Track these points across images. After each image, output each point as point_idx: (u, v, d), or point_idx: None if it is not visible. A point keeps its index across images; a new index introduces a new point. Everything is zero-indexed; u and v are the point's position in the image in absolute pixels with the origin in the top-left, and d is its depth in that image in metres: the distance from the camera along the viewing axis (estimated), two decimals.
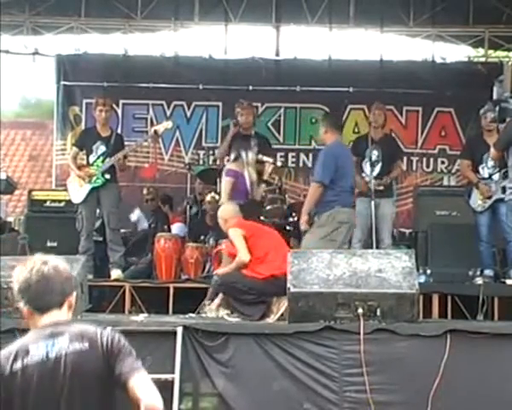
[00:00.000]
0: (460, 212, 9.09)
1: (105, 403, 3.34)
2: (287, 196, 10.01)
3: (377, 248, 8.43)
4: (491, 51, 12.58)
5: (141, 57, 12.54)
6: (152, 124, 11.54)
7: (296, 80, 12.09)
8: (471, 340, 6.15)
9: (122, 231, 9.77)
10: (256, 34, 13.21)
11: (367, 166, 9.03)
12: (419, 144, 12.20)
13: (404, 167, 12.11)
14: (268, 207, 9.28)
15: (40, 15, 12.30)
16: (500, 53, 12.70)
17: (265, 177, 8.54)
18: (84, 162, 9.17)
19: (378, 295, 6.22)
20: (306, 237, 7.81)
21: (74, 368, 3.25)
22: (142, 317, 7.36)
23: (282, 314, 7.12)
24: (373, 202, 8.74)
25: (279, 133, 12.26)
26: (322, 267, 6.36)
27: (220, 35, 12.71)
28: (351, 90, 12.01)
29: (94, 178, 8.97)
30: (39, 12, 12.25)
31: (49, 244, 9.23)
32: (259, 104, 11.87)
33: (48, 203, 9.97)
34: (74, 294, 3.43)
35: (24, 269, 3.36)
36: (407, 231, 10.64)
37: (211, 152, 11.58)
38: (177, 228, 10.31)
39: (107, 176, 8.99)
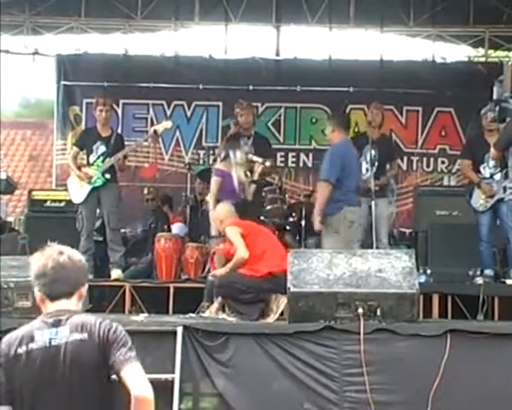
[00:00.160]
0: (460, 212, 9.09)
1: (103, 393, 3.44)
2: (287, 196, 10.02)
3: (375, 248, 8.43)
4: (491, 51, 12.59)
5: (141, 57, 12.54)
6: (152, 124, 11.54)
7: (296, 80, 12.09)
8: (471, 340, 6.14)
9: (122, 231, 9.78)
10: (256, 34, 13.23)
11: (364, 166, 9.03)
12: (419, 144, 12.21)
13: (405, 167, 12.15)
14: (268, 207, 9.28)
15: (40, 15, 12.30)
16: (500, 53, 12.70)
17: (255, 177, 8.51)
18: (85, 162, 9.17)
19: (378, 295, 6.22)
20: (324, 242, 7.75)
21: (73, 358, 3.37)
22: (142, 317, 7.36)
23: (282, 312, 7.14)
24: (373, 202, 8.74)
25: (279, 133, 12.27)
26: (322, 267, 6.36)
27: (220, 35, 12.72)
28: (351, 90, 12.01)
29: (94, 178, 8.97)
30: (39, 12, 12.25)
31: (49, 244, 9.21)
32: (259, 104, 11.88)
33: (48, 203, 9.97)
34: (86, 285, 3.54)
35: (41, 256, 3.50)
36: (407, 231, 10.65)
37: (211, 152, 11.60)
38: (177, 228, 10.31)
39: (108, 176, 8.99)
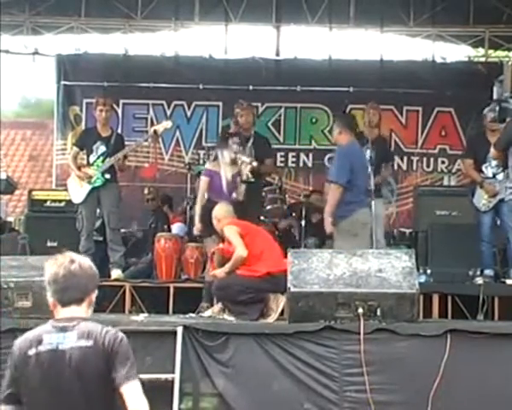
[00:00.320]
0: (460, 212, 9.08)
1: (107, 400, 3.56)
2: (287, 196, 10.02)
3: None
4: (491, 51, 12.58)
5: (141, 57, 12.54)
6: (152, 124, 11.54)
7: (296, 80, 12.09)
8: (471, 340, 6.15)
9: (122, 230, 9.77)
10: (256, 34, 13.23)
11: None
12: (419, 144, 12.21)
13: (405, 167, 12.16)
14: (268, 207, 9.29)
15: (40, 15, 12.30)
16: (500, 53, 12.70)
17: (244, 177, 8.49)
18: (85, 162, 9.17)
19: (378, 295, 6.22)
20: (340, 245, 7.68)
21: (78, 364, 3.52)
22: (142, 317, 7.36)
23: (282, 311, 7.14)
24: (373, 202, 8.72)
25: (279, 133, 12.27)
26: (322, 267, 6.36)
27: (220, 35, 12.72)
28: (351, 89, 12.01)
29: (94, 178, 8.97)
30: (39, 12, 12.25)
31: (49, 244, 9.22)
32: (259, 104, 11.88)
33: (48, 203, 9.96)
34: (96, 292, 3.73)
35: (54, 264, 3.66)
36: (407, 231, 10.64)
37: (211, 152, 11.57)
38: (177, 228, 10.31)
39: (108, 176, 8.99)
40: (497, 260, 8.90)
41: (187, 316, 7.57)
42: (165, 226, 10.29)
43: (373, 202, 8.70)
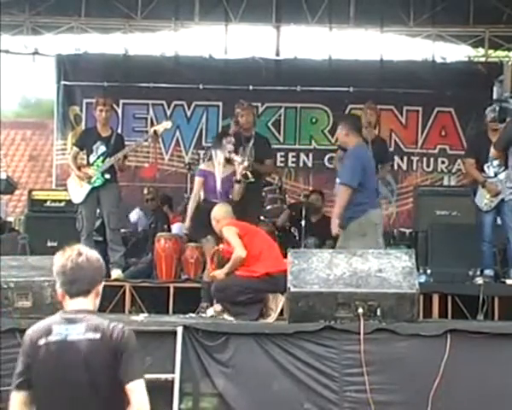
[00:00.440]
0: (460, 212, 9.08)
1: (113, 392, 3.64)
2: (287, 196, 10.02)
3: None
4: (491, 51, 12.59)
5: (141, 57, 12.54)
6: (152, 124, 11.54)
7: (296, 80, 12.09)
8: (471, 340, 6.15)
9: (122, 230, 9.77)
10: (256, 34, 13.23)
11: None
12: (419, 144, 12.21)
13: (405, 167, 12.16)
14: (268, 207, 9.29)
15: (40, 15, 12.30)
16: (500, 53, 12.70)
17: (238, 177, 8.50)
18: (85, 162, 9.17)
19: (378, 295, 6.22)
20: (349, 245, 7.61)
21: (86, 355, 3.63)
22: (142, 317, 7.36)
23: (281, 310, 7.14)
24: None
25: (279, 133, 12.27)
26: (322, 267, 6.36)
27: (220, 35, 12.72)
28: (351, 90, 12.01)
29: (94, 178, 8.97)
30: (39, 12, 12.25)
31: (49, 244, 9.21)
32: (260, 104, 11.88)
33: (48, 203, 9.96)
34: (102, 283, 3.85)
35: (62, 257, 3.75)
36: (407, 231, 10.64)
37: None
38: (177, 228, 10.30)
39: (107, 176, 8.99)
40: (497, 260, 8.89)
41: (187, 316, 7.58)
42: (165, 226, 10.28)
43: None
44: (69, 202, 9.36)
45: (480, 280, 8.36)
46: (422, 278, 8.13)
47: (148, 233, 10.28)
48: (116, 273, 8.92)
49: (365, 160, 7.88)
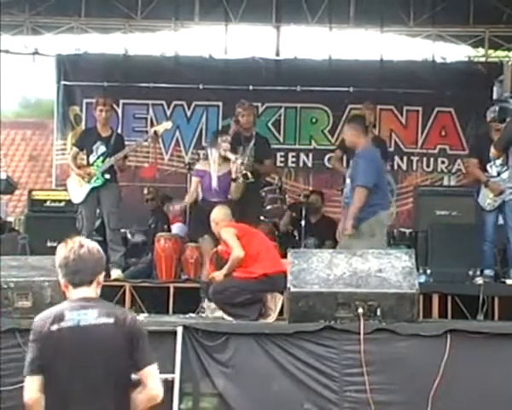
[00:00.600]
0: (460, 212, 9.08)
1: (125, 375, 3.78)
2: (287, 196, 10.02)
3: None
4: (491, 51, 12.58)
5: (141, 57, 12.54)
6: (152, 124, 11.55)
7: (296, 80, 12.09)
8: (471, 340, 6.15)
9: (122, 230, 9.77)
10: (256, 34, 13.23)
11: None
12: (419, 144, 12.21)
13: (405, 167, 12.16)
14: (268, 207, 9.28)
15: (40, 15, 12.30)
16: (500, 53, 12.70)
17: (233, 175, 8.51)
18: (85, 162, 9.17)
19: (378, 295, 6.22)
20: (356, 245, 7.53)
21: (100, 340, 3.75)
22: (142, 317, 7.35)
23: (281, 308, 7.15)
24: None
25: (279, 133, 12.27)
26: (322, 267, 6.36)
27: (220, 35, 12.72)
28: (351, 90, 12.01)
29: (94, 178, 8.97)
30: (39, 12, 12.25)
31: (49, 244, 9.19)
32: (260, 104, 11.87)
33: (48, 203, 9.95)
34: (103, 273, 3.97)
35: (64, 248, 3.91)
36: (407, 231, 10.63)
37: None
38: (177, 228, 10.30)
39: (107, 176, 8.99)
40: (497, 260, 8.89)
41: (187, 316, 7.58)
42: (165, 226, 10.28)
43: None
44: (69, 202, 9.36)
45: (479, 280, 8.36)
46: (422, 278, 8.13)
47: (148, 233, 10.28)
48: (116, 273, 8.92)
49: (378, 160, 7.89)
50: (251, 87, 11.99)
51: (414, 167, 12.19)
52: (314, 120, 12.29)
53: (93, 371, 3.73)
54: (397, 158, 11.97)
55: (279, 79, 12.19)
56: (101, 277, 3.96)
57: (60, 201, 9.87)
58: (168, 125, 9.52)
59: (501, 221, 8.75)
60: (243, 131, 9.26)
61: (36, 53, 12.68)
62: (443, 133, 12.20)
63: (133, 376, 3.82)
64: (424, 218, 9.24)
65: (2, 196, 11.04)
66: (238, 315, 7.19)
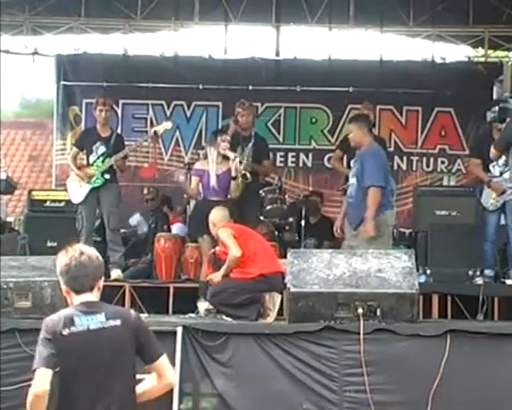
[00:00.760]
0: (460, 212, 9.07)
1: (134, 373, 3.93)
2: (286, 196, 10.02)
3: None
4: (491, 51, 12.58)
5: (141, 57, 12.54)
6: (152, 124, 11.55)
7: (296, 80, 12.09)
8: (471, 340, 6.15)
9: (122, 231, 9.77)
10: (256, 34, 13.24)
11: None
12: (419, 144, 12.21)
13: (404, 167, 12.16)
14: (268, 207, 9.28)
15: (40, 15, 12.29)
16: (500, 53, 12.70)
17: (233, 174, 8.51)
18: (84, 162, 9.17)
19: (378, 295, 6.23)
20: (362, 246, 7.40)
21: (110, 341, 3.87)
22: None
23: (281, 308, 7.16)
24: None
25: (279, 133, 12.27)
26: (322, 267, 6.36)
27: (220, 35, 12.72)
28: (351, 90, 12.01)
29: (94, 179, 8.97)
30: (39, 12, 12.24)
31: (49, 244, 9.21)
32: (259, 104, 11.87)
33: (48, 203, 9.95)
34: (103, 278, 4.09)
35: (65, 256, 3.99)
36: (407, 231, 10.63)
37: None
38: (177, 228, 10.30)
39: (107, 176, 8.99)
40: (497, 260, 8.89)
41: (187, 316, 7.58)
42: (165, 226, 10.28)
43: None
44: (69, 202, 9.36)
45: (479, 280, 8.36)
46: (422, 278, 8.13)
47: (148, 233, 10.28)
48: (116, 273, 8.92)
49: (385, 158, 7.90)
50: (251, 87, 11.99)
51: (414, 167, 12.19)
52: (314, 120, 12.29)
53: (107, 374, 3.83)
54: (397, 158, 11.97)
55: (279, 79, 12.19)
56: (101, 282, 4.08)
57: (60, 201, 9.86)
58: (168, 125, 9.52)
59: (503, 221, 8.75)
60: (242, 131, 9.26)
61: (36, 53, 12.67)
62: (443, 133, 12.20)
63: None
64: (424, 218, 9.23)
65: (2, 196, 11.04)
66: (237, 316, 7.20)
